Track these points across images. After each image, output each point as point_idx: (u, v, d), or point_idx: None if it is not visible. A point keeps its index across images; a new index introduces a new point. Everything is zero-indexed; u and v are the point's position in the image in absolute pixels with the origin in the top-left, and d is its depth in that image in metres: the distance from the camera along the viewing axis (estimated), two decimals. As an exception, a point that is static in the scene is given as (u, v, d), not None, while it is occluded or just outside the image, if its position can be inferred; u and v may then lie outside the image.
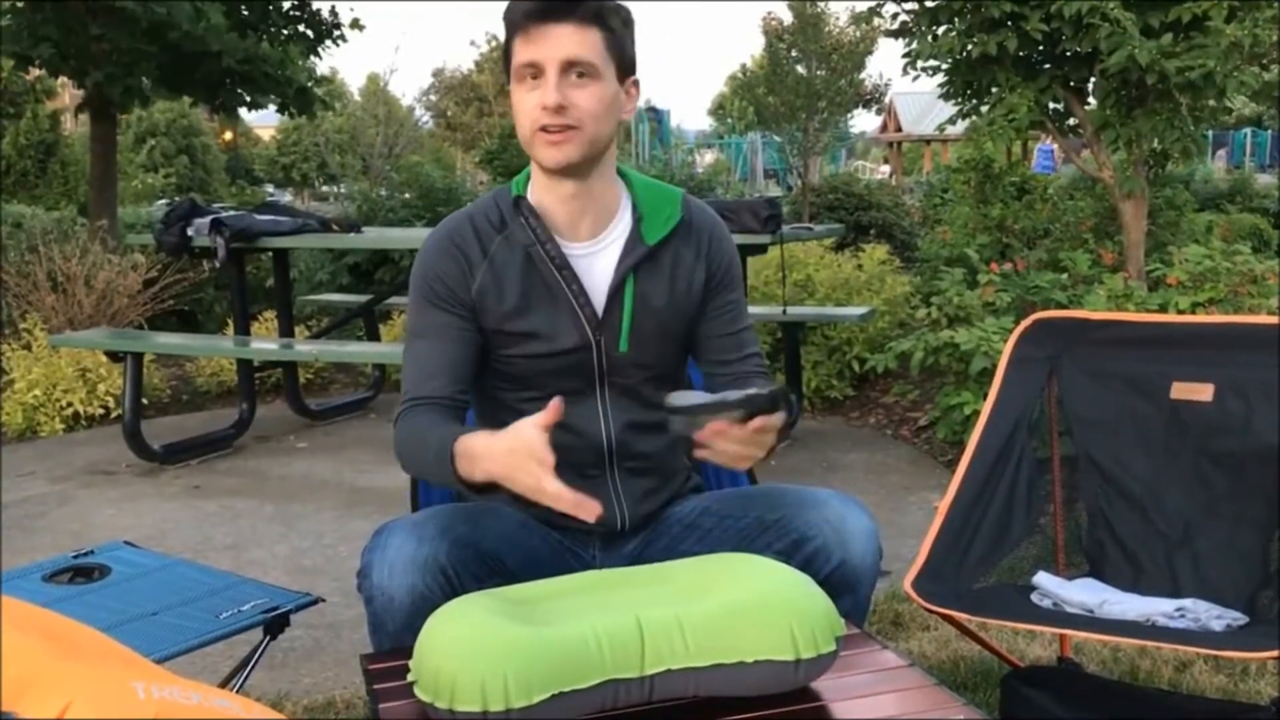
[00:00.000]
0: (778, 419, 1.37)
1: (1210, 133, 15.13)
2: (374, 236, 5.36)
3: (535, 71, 1.52)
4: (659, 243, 1.63)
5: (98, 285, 6.26)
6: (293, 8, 8.86)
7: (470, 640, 1.20)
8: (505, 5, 1.57)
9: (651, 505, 1.71)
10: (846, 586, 1.52)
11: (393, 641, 1.43)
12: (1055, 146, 16.95)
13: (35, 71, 9.45)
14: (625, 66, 1.58)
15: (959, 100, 5.61)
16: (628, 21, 1.58)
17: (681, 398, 1.41)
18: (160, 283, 6.55)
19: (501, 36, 1.60)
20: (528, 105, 1.53)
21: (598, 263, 1.62)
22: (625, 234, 1.63)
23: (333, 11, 8.97)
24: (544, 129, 1.52)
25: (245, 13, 8.38)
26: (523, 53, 1.52)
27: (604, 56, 1.53)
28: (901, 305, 5.79)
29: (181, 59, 7.87)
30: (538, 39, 1.50)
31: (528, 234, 1.60)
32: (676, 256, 1.65)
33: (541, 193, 1.62)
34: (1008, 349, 2.15)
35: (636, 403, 1.66)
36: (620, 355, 1.62)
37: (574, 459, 1.65)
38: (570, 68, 1.51)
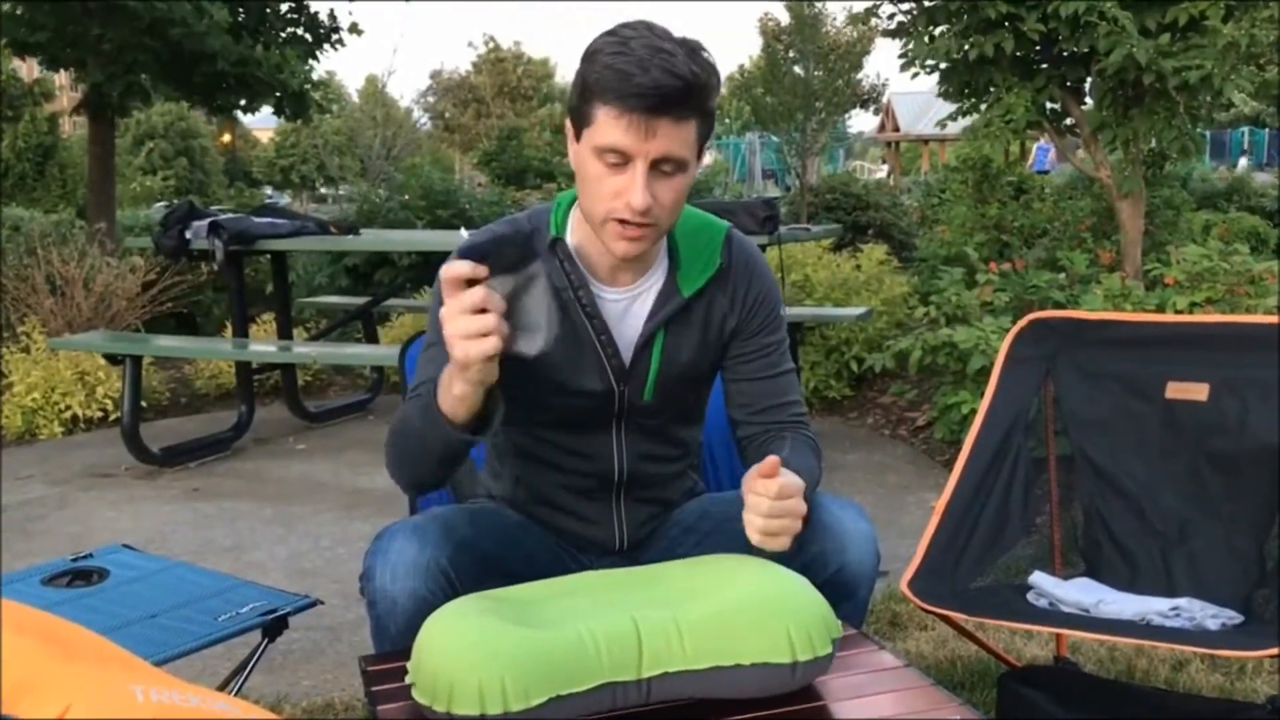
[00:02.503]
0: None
1: (1207, 133, 15.14)
2: (372, 239, 5.37)
3: (621, 159, 1.40)
4: (693, 294, 1.57)
5: (96, 288, 6.26)
6: (290, 11, 8.87)
7: (468, 643, 1.21)
8: (597, 50, 1.40)
9: (651, 528, 1.71)
10: (845, 591, 1.52)
11: (395, 645, 1.43)
12: (1051, 145, 17.00)
13: (34, 73, 9.45)
14: (706, 139, 1.47)
15: (957, 100, 5.62)
16: (718, 87, 1.44)
17: None
18: (158, 285, 6.55)
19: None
20: (604, 190, 1.42)
21: (630, 312, 1.57)
22: (660, 282, 1.57)
23: (331, 15, 8.99)
24: (620, 221, 1.43)
25: (242, 14, 8.39)
26: (610, 134, 1.39)
27: (693, 145, 1.43)
28: (900, 305, 5.80)
29: (180, 58, 7.88)
30: (635, 130, 1.37)
31: (562, 278, 1.53)
32: (710, 305, 1.59)
33: (584, 238, 1.54)
34: (1004, 348, 2.16)
35: (653, 436, 1.65)
36: (643, 403, 1.60)
37: (582, 483, 1.65)
38: (660, 163, 1.40)
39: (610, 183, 1.42)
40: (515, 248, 1.29)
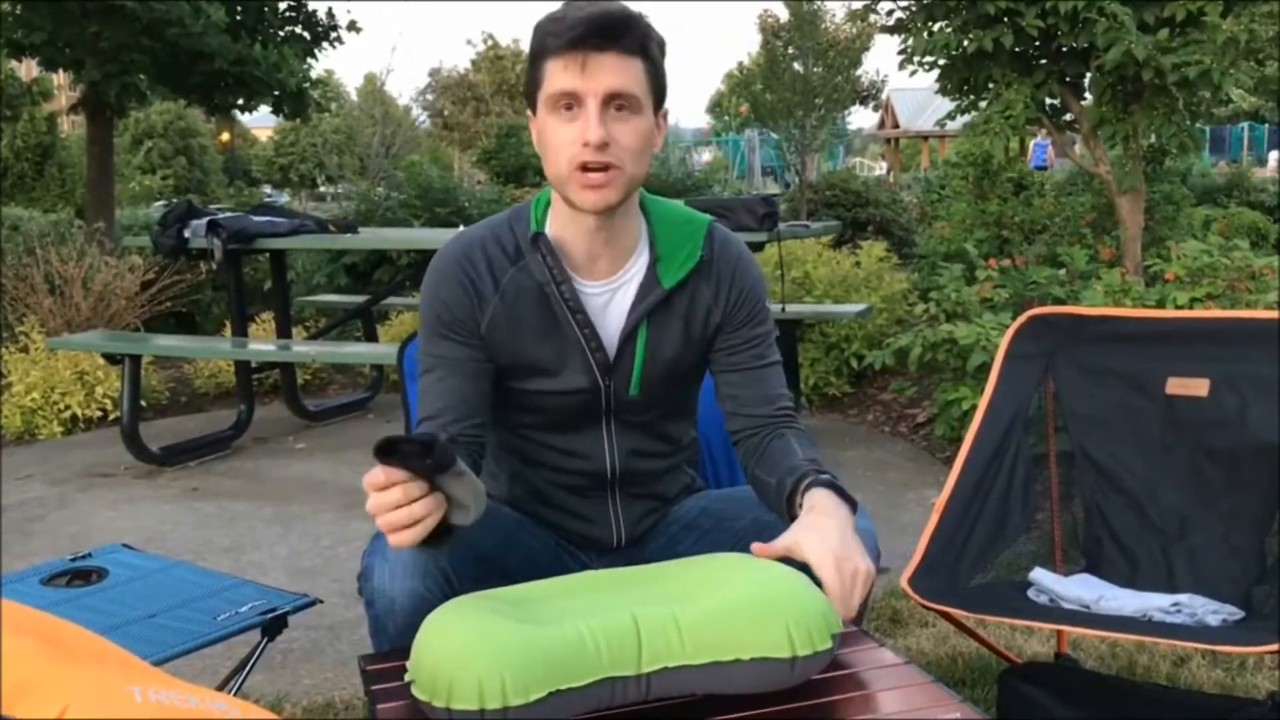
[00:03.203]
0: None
1: (1206, 129, 15.14)
2: (371, 237, 5.37)
3: (572, 102, 1.42)
4: (674, 286, 1.57)
5: (95, 287, 6.26)
6: (288, 9, 8.87)
7: (467, 639, 1.20)
8: (537, 24, 1.46)
9: (648, 524, 1.71)
10: None
11: (394, 644, 1.43)
12: (1049, 141, 17.00)
13: (32, 72, 9.45)
14: (660, 98, 1.49)
15: (955, 96, 5.62)
16: (663, 49, 1.49)
17: None
18: (158, 284, 6.55)
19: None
20: (563, 139, 1.43)
21: (612, 304, 1.57)
22: (641, 274, 1.56)
23: (329, 13, 8.98)
24: (583, 167, 1.43)
25: (240, 14, 8.39)
26: (559, 80, 1.41)
27: (645, 88, 1.45)
28: (899, 302, 5.79)
29: (178, 58, 7.88)
30: (579, 67, 1.40)
31: (544, 272, 1.53)
32: (693, 298, 1.59)
33: (561, 227, 1.54)
34: (1004, 345, 2.15)
35: (643, 432, 1.65)
36: (629, 398, 1.60)
37: (576, 481, 1.65)
38: (611, 100, 1.41)
39: (566, 131, 1.43)
40: (432, 453, 1.23)
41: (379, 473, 1.22)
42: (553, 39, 1.42)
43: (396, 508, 1.23)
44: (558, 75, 1.42)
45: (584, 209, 1.47)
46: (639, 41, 1.44)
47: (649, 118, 1.47)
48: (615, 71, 1.41)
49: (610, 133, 1.42)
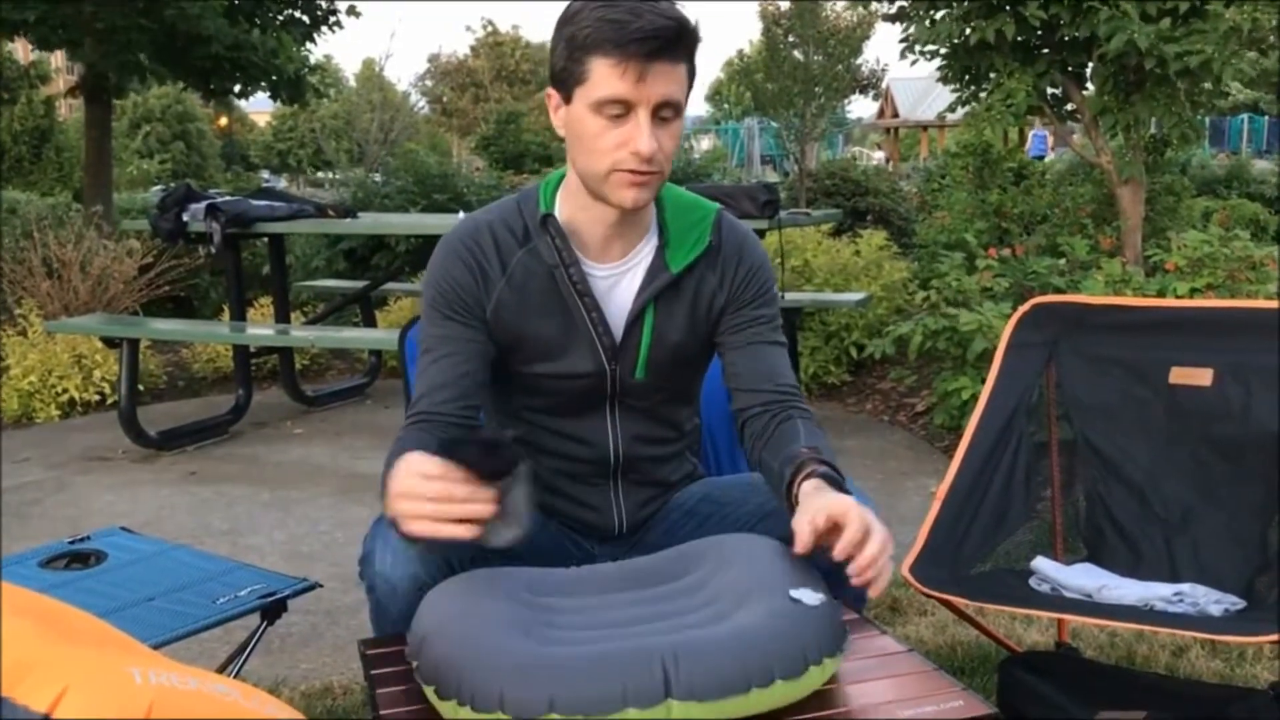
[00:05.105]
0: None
1: (1206, 120, 15.12)
2: (370, 222, 5.35)
3: (623, 109, 1.40)
4: (682, 271, 1.57)
5: (93, 271, 6.24)
6: (287, -8, 8.84)
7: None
8: (580, 7, 1.41)
9: (650, 511, 1.71)
10: (848, 577, 1.51)
11: (395, 629, 1.42)
12: (1047, 132, 16.99)
13: (30, 54, 9.41)
14: (690, 90, 1.48)
15: (957, 86, 5.60)
16: (700, 36, 1.46)
17: None
18: (156, 269, 6.53)
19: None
20: (607, 143, 1.42)
21: (619, 287, 1.57)
22: (650, 257, 1.57)
23: (329, -3, 8.96)
24: (628, 170, 1.43)
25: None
26: (611, 86, 1.38)
27: (686, 92, 1.45)
28: (899, 291, 5.79)
29: (175, 40, 7.84)
30: (636, 77, 1.38)
31: (553, 255, 1.53)
32: (700, 282, 1.59)
33: (576, 211, 1.54)
34: (1006, 333, 2.15)
35: (647, 417, 1.65)
36: (635, 381, 1.60)
37: (579, 468, 1.65)
38: (660, 109, 1.41)
39: (612, 135, 1.42)
40: (502, 459, 1.19)
41: (433, 463, 1.18)
42: (610, 42, 1.37)
43: (434, 500, 1.19)
44: (610, 80, 1.39)
45: (624, 206, 1.47)
46: (689, 47, 1.42)
47: (684, 116, 1.48)
48: (667, 80, 1.40)
49: (656, 139, 1.41)
